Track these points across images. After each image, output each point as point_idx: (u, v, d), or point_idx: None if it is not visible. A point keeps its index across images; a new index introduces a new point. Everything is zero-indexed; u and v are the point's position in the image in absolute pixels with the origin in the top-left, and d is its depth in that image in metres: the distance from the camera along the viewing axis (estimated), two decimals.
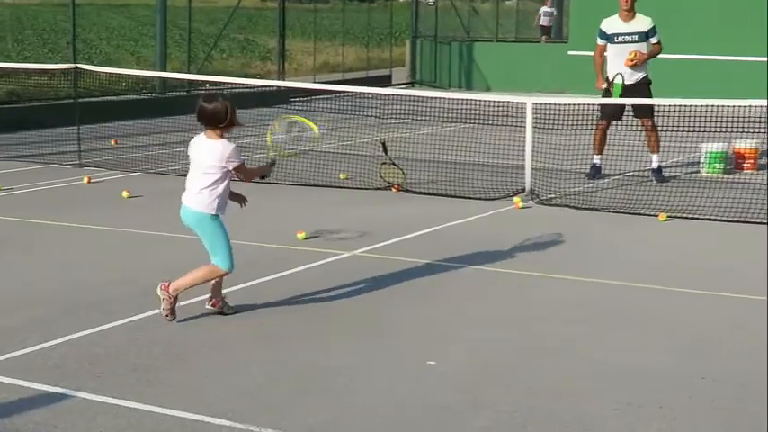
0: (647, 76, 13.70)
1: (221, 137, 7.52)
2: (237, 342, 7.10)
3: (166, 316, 7.42)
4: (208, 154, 7.50)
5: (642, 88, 13.58)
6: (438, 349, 6.97)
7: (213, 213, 7.52)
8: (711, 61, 24.01)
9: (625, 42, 13.55)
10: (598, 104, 13.85)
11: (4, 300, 8.08)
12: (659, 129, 13.47)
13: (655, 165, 13.69)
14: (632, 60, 13.38)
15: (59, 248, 10.00)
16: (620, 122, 13.73)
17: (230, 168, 7.53)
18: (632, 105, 13.48)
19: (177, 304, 7.51)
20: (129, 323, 7.47)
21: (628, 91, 13.41)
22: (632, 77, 13.51)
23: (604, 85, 13.55)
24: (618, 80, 13.30)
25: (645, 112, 13.48)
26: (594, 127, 13.78)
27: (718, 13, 25.41)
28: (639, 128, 13.67)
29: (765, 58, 23.33)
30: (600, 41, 13.79)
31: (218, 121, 7.46)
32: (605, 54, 13.80)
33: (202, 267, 7.57)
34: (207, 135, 7.56)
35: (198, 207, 7.52)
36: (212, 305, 7.68)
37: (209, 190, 7.50)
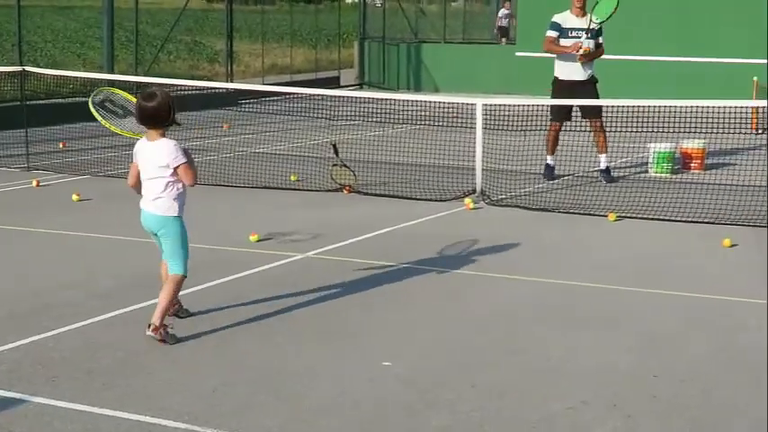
0: (593, 75, 13.84)
1: (163, 136, 7.27)
2: (193, 345, 7.07)
3: (166, 342, 7.06)
4: (157, 156, 7.23)
5: (590, 88, 13.72)
6: (394, 350, 6.98)
7: (176, 215, 7.32)
8: (660, 62, 24.24)
9: (579, 38, 13.68)
10: (548, 106, 13.97)
11: None
12: (608, 129, 13.58)
13: (603, 165, 13.80)
14: (586, 54, 13.51)
15: (8, 252, 9.91)
16: (569, 123, 13.84)
17: (173, 168, 7.20)
18: (580, 106, 13.61)
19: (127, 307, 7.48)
20: (82, 327, 7.42)
21: (577, 89, 13.57)
22: (584, 74, 13.66)
23: (579, 52, 13.57)
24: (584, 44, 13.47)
25: (593, 113, 13.61)
26: (547, 128, 13.89)
27: (669, 14, 25.65)
28: (588, 128, 13.78)
29: (712, 59, 23.64)
30: (552, 33, 13.79)
31: (162, 120, 7.20)
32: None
33: (167, 284, 7.31)
34: (149, 137, 7.29)
35: (159, 211, 7.29)
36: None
37: (167, 192, 7.28)
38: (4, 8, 40.24)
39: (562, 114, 13.76)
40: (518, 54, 26.26)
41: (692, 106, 12.71)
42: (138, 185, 7.44)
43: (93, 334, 7.27)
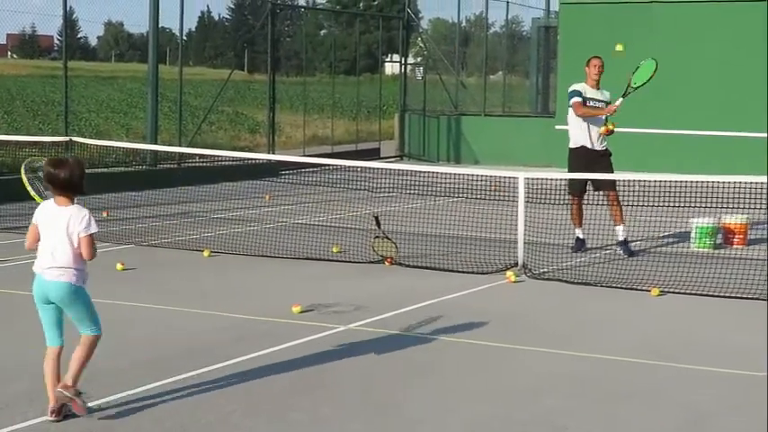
0: (607, 147, 13.97)
1: (73, 202, 7.06)
2: (236, 418, 7.09)
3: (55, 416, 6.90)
4: (67, 222, 6.96)
5: (605, 160, 13.84)
6: (437, 423, 6.98)
7: (82, 285, 7.11)
8: (702, 136, 24.24)
9: (595, 107, 13.86)
10: (566, 180, 14.03)
11: (1, 372, 8.07)
12: (649, 205, 13.58)
13: (621, 237, 13.79)
14: (610, 131, 13.69)
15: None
16: (598, 195, 13.87)
17: (78, 237, 6.96)
18: (593, 180, 13.68)
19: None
20: (126, 396, 7.46)
21: (594, 160, 13.72)
22: (600, 145, 13.81)
23: (620, 100, 13.68)
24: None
25: (608, 185, 13.68)
26: (570, 202, 13.97)
27: (703, 89, 25.70)
28: (606, 202, 13.80)
29: (754, 134, 23.62)
30: (579, 99, 13.88)
31: (73, 189, 6.99)
32: (573, 118, 13.97)
33: (83, 347, 7.11)
34: (57, 202, 7.03)
35: (66, 279, 7.02)
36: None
37: (76, 261, 7.03)
38: (49, 78, 40.95)
39: (579, 186, 13.85)
40: (557, 127, 26.33)
41: (734, 182, 12.70)
42: (33, 246, 7.19)
43: (139, 404, 7.31)
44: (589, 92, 13.97)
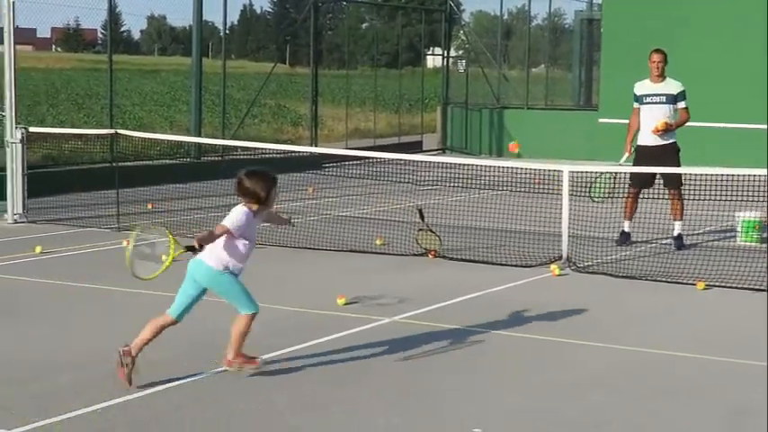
0: (675, 142, 13.85)
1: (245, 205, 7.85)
2: (281, 407, 7.12)
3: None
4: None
5: (671, 155, 13.72)
6: (482, 416, 6.97)
7: (220, 269, 7.91)
8: (745, 130, 24.01)
9: (653, 103, 13.83)
10: (629, 172, 13.99)
11: (45, 363, 8.15)
12: (694, 197, 13.49)
13: (676, 232, 13.77)
14: (658, 129, 13.60)
15: (100, 312, 10.07)
16: (650, 190, 13.85)
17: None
18: (662, 174, 13.60)
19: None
20: (174, 387, 7.51)
21: (658, 156, 13.59)
22: (662, 140, 13.70)
23: (626, 155, 13.76)
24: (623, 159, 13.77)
25: (673, 182, 13.59)
26: (626, 194, 13.91)
27: (746, 82, 25.49)
28: (667, 196, 13.76)
29: None
30: (636, 104, 14.05)
31: (252, 199, 7.85)
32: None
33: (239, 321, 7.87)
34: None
35: (209, 262, 7.94)
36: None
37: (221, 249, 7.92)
38: (93, 71, 41.24)
39: (642, 181, 13.78)
40: (601, 120, 26.21)
41: None
42: None
43: (184, 394, 7.35)
44: (645, 88, 13.95)
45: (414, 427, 6.77)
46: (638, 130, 13.98)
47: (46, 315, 9.89)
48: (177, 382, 7.61)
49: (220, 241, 7.76)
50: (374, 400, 7.31)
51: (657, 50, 14.02)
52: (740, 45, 25.65)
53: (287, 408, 7.12)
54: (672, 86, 13.92)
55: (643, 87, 13.99)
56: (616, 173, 14.01)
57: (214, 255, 7.81)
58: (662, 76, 13.92)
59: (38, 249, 13.06)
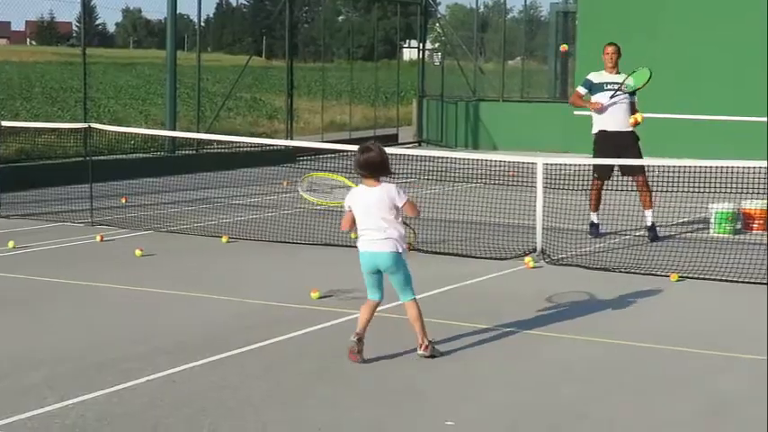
0: (634, 131, 13.97)
1: (380, 182, 7.99)
2: (256, 402, 7.11)
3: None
4: (382, 199, 7.95)
5: (630, 142, 13.88)
6: (456, 410, 6.98)
7: (401, 250, 8.07)
8: (720, 121, 24.09)
9: (611, 90, 14.01)
10: (592, 164, 14.09)
11: (18, 359, 8.11)
12: (669, 190, 13.54)
13: (648, 222, 13.84)
14: (637, 122, 13.85)
15: (73, 307, 10.03)
16: (617, 181, 13.92)
17: (399, 206, 7.97)
18: (620, 165, 13.72)
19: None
20: (147, 383, 7.48)
21: (619, 143, 13.83)
22: (624, 125, 13.96)
23: (598, 105, 13.99)
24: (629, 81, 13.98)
25: (636, 170, 13.71)
26: (590, 186, 14.00)
27: (722, 73, 25.59)
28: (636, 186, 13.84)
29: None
30: (581, 89, 14.38)
31: (383, 171, 7.99)
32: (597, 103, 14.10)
33: (411, 311, 8.14)
34: (367, 184, 7.99)
35: (390, 248, 8.00)
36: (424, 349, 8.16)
37: (395, 230, 8.03)
38: (68, 65, 41.04)
39: (605, 171, 13.89)
40: (576, 113, 26.25)
41: (754, 167, 12.63)
42: (352, 228, 8.21)
43: (155, 390, 7.33)
44: (604, 77, 14.21)
45: (388, 420, 6.77)
46: (593, 116, 14.14)
47: (19, 310, 9.84)
48: (151, 376, 7.58)
49: (396, 223, 8.05)
50: (349, 394, 7.31)
51: (612, 43, 14.43)
52: (718, 34, 25.72)
53: (262, 402, 7.10)
54: (623, 77, 14.15)
55: (600, 76, 14.24)
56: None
57: (394, 239, 8.04)
58: (615, 68, 14.21)
59: (11, 244, 13.00)
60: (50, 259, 12.47)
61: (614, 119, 13.97)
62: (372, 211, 7.99)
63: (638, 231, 13.88)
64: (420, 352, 8.11)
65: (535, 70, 37.74)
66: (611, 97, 13.95)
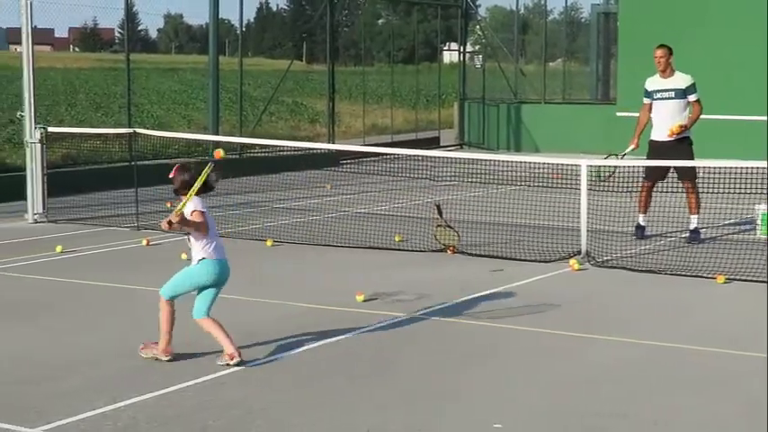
0: (688, 136, 13.88)
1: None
2: (302, 405, 7.16)
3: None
4: None
5: (683, 148, 13.74)
6: (502, 412, 6.99)
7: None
8: (762, 122, 23.91)
9: (662, 99, 13.89)
10: (644, 165, 14.03)
11: (69, 360, 8.20)
12: (713, 191, 13.48)
13: (692, 225, 13.76)
14: (674, 133, 13.70)
15: (120, 310, 10.12)
16: (666, 183, 13.88)
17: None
18: (675, 167, 13.64)
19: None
20: (195, 385, 7.55)
21: (671, 150, 13.66)
22: (671, 137, 13.80)
23: (632, 146, 13.89)
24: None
25: (687, 175, 13.62)
26: (640, 187, 13.93)
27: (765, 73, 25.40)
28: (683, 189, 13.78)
29: None
30: (645, 100, 14.15)
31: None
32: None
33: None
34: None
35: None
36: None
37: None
38: (111, 71, 41.36)
39: (655, 174, 13.81)
40: (618, 114, 26.16)
41: None
42: None
43: (205, 392, 7.39)
44: (655, 83, 14.05)
45: (435, 423, 6.79)
46: (650, 124, 14.05)
47: (67, 314, 9.95)
48: (199, 379, 7.65)
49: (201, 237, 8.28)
50: (394, 397, 7.33)
51: (661, 46, 14.12)
52: (760, 36, 25.53)
53: (308, 405, 7.15)
54: (681, 80, 13.95)
55: (653, 83, 14.08)
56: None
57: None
58: (668, 71, 13.98)
59: (58, 249, 13.13)
60: (98, 263, 12.58)
61: (662, 127, 13.82)
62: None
63: (683, 233, 13.82)
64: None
65: (576, 72, 37.64)
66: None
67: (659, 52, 14.01)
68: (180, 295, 8.29)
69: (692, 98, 13.90)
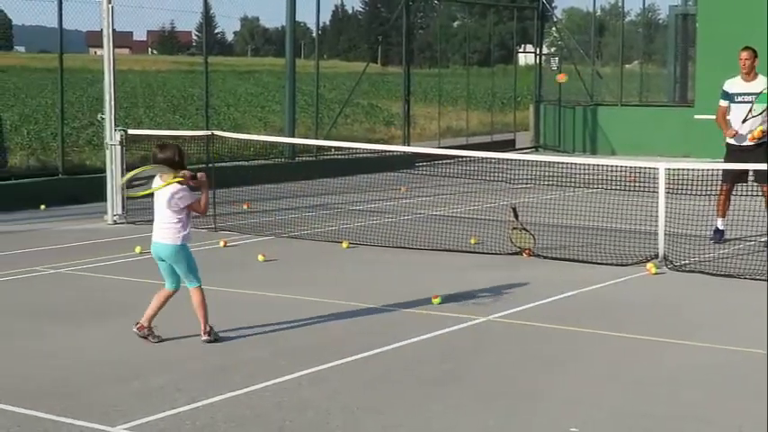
0: (766, 140, 13.67)
1: (174, 179, 8.62)
2: (377, 407, 7.18)
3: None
4: (165, 197, 8.69)
5: (760, 152, 13.54)
6: (579, 415, 6.96)
7: (179, 243, 8.75)
8: None
9: (744, 102, 13.69)
10: (721, 169, 13.85)
11: (150, 360, 8.31)
12: None
13: None
14: (754, 137, 13.48)
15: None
16: (746, 186, 13.69)
17: (181, 207, 8.71)
18: (755, 171, 13.45)
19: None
20: (272, 385, 7.61)
21: (749, 153, 13.51)
22: (748, 142, 13.61)
23: (735, 129, 13.62)
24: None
25: (764, 178, 13.42)
26: (718, 191, 13.76)
27: None
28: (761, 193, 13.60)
29: None
30: (722, 102, 13.95)
31: (176, 167, 8.65)
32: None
33: (197, 299, 8.89)
34: (162, 179, 8.66)
35: (168, 240, 8.78)
36: (139, 329, 8.89)
37: (177, 224, 8.76)
38: (188, 73, 41.84)
39: (733, 176, 13.63)
40: (696, 117, 25.91)
41: None
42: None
43: (283, 393, 7.45)
44: (737, 86, 13.83)
45: (510, 425, 6.78)
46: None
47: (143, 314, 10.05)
48: (277, 379, 7.71)
49: (175, 219, 8.73)
50: (471, 400, 7.33)
51: (746, 48, 13.91)
52: None
53: (383, 406, 7.17)
54: (763, 85, 13.73)
55: (734, 85, 13.88)
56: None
57: (172, 233, 8.74)
58: (751, 74, 13.79)
59: (138, 249, 13.30)
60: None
61: (740, 134, 13.66)
62: (162, 205, 8.73)
63: (762, 237, 13.64)
64: (203, 338, 8.75)
65: (654, 74, 37.29)
66: (743, 121, 13.60)
67: (745, 54, 13.80)
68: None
69: None
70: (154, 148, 8.92)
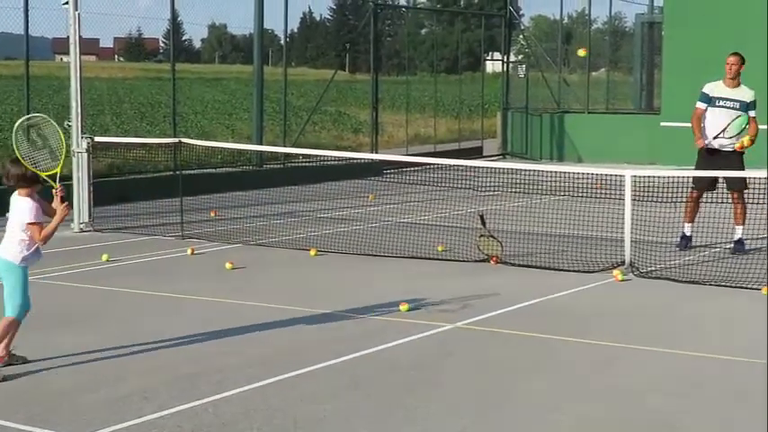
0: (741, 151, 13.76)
1: (29, 195, 8.18)
2: (346, 415, 7.19)
3: None
4: (14, 210, 8.16)
5: (735, 158, 13.60)
6: (545, 423, 6.99)
7: (16, 263, 8.10)
8: None
9: (726, 108, 13.65)
10: (692, 176, 13.90)
11: (115, 369, 8.28)
12: (758, 201, 13.39)
13: (737, 236, 13.65)
14: (743, 147, 13.51)
15: (165, 319, 10.19)
16: (713, 193, 13.77)
17: (25, 223, 8.08)
18: (725, 177, 13.51)
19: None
20: (240, 393, 7.60)
21: (722, 159, 13.54)
22: (728, 145, 13.58)
23: (706, 142, 13.60)
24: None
25: (737, 185, 13.51)
26: (687, 197, 13.82)
27: None
28: (730, 200, 13.67)
29: None
30: (700, 105, 13.85)
31: (25, 183, 8.20)
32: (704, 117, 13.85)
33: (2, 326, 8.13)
34: (18, 193, 8.21)
35: (5, 256, 8.11)
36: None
37: (18, 241, 8.10)
38: (156, 80, 41.73)
39: (704, 183, 13.69)
40: (663, 124, 26.09)
41: None
42: None
43: (250, 401, 7.44)
44: (720, 91, 13.78)
45: (478, 431, 6.81)
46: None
47: (114, 322, 10.03)
48: (244, 388, 7.70)
49: (20, 235, 8.10)
50: (439, 406, 7.35)
51: (734, 53, 13.87)
52: None
53: (351, 414, 7.18)
54: (746, 93, 13.75)
55: (717, 89, 13.81)
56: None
57: (13, 249, 8.13)
58: (736, 80, 13.78)
59: (104, 257, 13.26)
60: (143, 272, 12.69)
61: (708, 136, 13.68)
62: (10, 217, 8.21)
63: (728, 244, 13.75)
64: None
65: (620, 81, 37.54)
66: (715, 137, 13.61)
67: (732, 59, 13.76)
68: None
69: (752, 114, 13.70)
70: (8, 164, 8.46)
